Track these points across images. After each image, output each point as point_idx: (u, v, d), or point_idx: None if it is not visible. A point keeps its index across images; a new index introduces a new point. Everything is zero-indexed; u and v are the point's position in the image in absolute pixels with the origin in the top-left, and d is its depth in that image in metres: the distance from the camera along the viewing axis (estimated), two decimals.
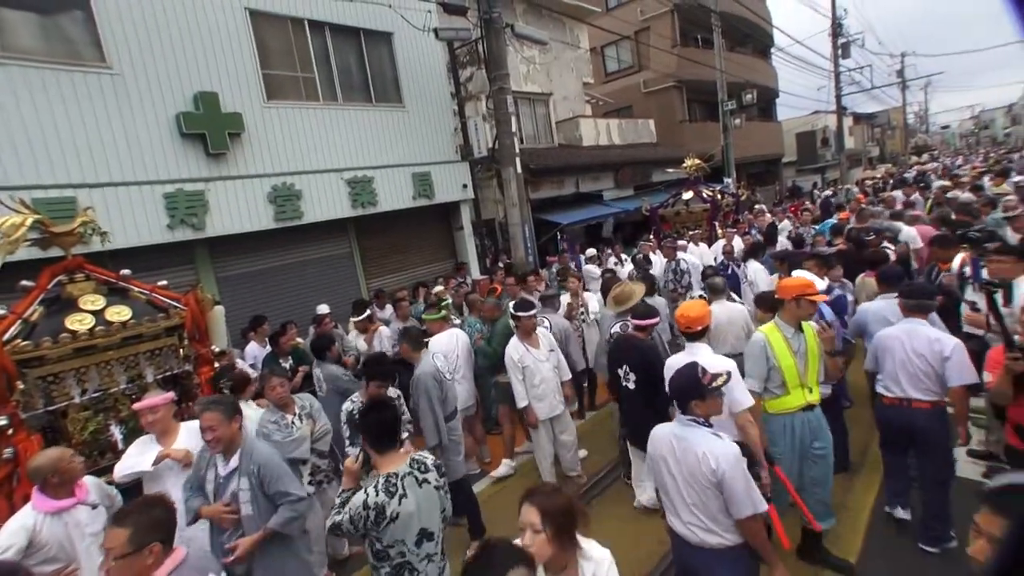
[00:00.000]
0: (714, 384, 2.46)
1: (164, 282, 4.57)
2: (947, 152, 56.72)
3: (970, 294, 4.46)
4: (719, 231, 10.21)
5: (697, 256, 8.44)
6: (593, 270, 8.78)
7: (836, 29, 25.27)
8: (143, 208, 6.63)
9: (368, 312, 6.62)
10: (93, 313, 3.75)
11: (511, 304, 6.34)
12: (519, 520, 1.82)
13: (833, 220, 9.35)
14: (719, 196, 11.40)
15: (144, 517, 1.98)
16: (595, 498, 4.76)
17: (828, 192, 19.84)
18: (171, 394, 3.39)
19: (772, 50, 26.97)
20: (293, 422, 3.62)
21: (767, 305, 4.05)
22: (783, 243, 8.86)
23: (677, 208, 11.32)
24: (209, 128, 7.17)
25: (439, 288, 8.24)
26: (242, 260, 7.99)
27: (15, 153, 5.75)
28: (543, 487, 1.90)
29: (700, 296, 6.77)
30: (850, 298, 5.31)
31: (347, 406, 3.68)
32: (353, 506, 2.26)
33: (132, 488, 3.29)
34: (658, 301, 5.79)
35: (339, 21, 8.82)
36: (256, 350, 6.30)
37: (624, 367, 4.02)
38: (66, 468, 2.73)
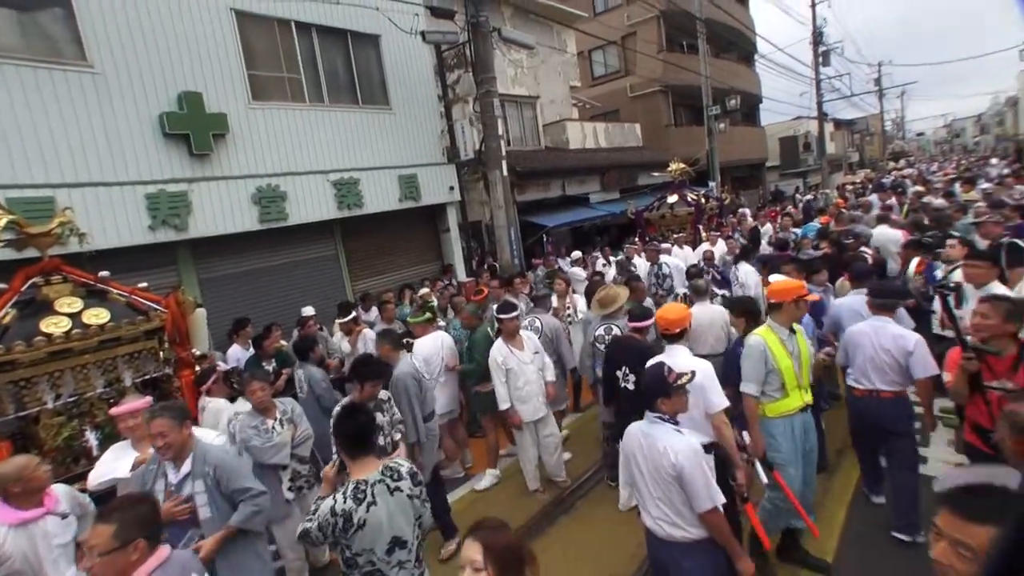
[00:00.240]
0: (679, 382, 2.54)
1: (144, 284, 4.51)
2: (923, 158, 58.22)
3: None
4: (703, 234, 10.33)
5: (682, 259, 8.53)
6: (578, 272, 8.82)
7: (817, 38, 25.73)
8: (124, 209, 6.54)
9: (354, 314, 6.58)
10: (70, 316, 3.69)
11: (494, 307, 6.37)
12: (460, 556, 1.67)
13: (816, 224, 9.52)
14: (703, 200, 11.52)
15: (130, 513, 1.98)
16: (579, 500, 4.78)
17: (809, 196, 20.15)
18: (149, 399, 3.34)
19: (755, 57, 27.41)
20: (274, 427, 3.59)
21: (741, 310, 4.05)
22: (764, 248, 9.00)
23: (662, 211, 11.42)
24: (193, 128, 7.10)
25: (424, 290, 8.23)
26: (226, 262, 7.91)
27: None
28: (489, 521, 1.75)
29: (684, 295, 6.86)
30: (834, 300, 5.40)
31: (338, 410, 3.62)
32: (321, 513, 2.25)
33: (106, 496, 3.22)
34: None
35: (326, 23, 8.79)
36: (239, 353, 6.23)
37: (624, 368, 4.04)
38: (31, 477, 2.64)
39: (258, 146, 7.91)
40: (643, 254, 8.55)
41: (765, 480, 3.23)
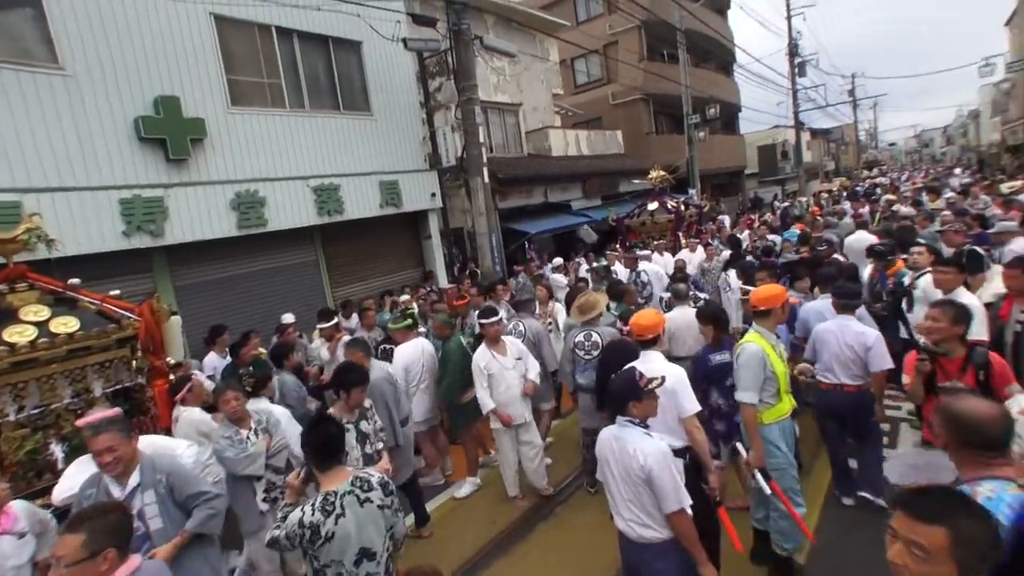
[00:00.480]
0: (649, 387, 2.59)
1: (117, 291, 4.43)
2: (895, 167, 60.06)
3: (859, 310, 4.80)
4: (683, 241, 10.47)
5: (662, 266, 8.62)
6: (559, 279, 8.87)
7: (792, 49, 26.35)
8: (96, 214, 6.41)
9: (336, 320, 6.53)
10: (36, 324, 3.59)
11: (475, 312, 6.38)
12: None
13: (796, 230, 9.72)
14: (683, 207, 11.68)
15: (99, 522, 1.94)
16: (559, 506, 4.78)
17: (787, 204, 20.56)
18: (117, 409, 3.25)
19: (734, 67, 27.91)
20: (248, 437, 3.52)
21: (708, 318, 4.09)
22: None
23: (643, 218, 11.55)
24: (169, 133, 7.00)
25: (405, 297, 8.20)
26: (203, 268, 7.80)
27: None
28: (422, 568, 1.82)
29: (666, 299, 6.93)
30: (804, 304, 5.53)
31: None
32: (289, 524, 2.24)
33: (70, 511, 3.14)
34: (623, 307, 5.89)
35: (308, 29, 8.75)
36: (215, 361, 6.13)
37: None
38: None
39: (237, 151, 7.82)
40: (622, 261, 8.63)
41: (768, 491, 3.23)
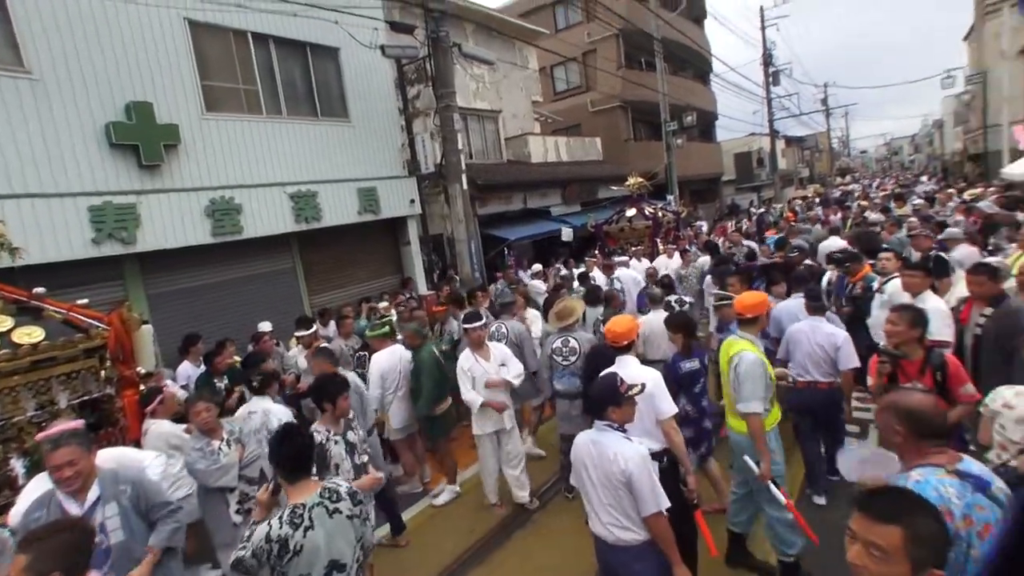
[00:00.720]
0: (630, 393, 2.63)
1: (85, 300, 4.34)
2: (866, 174, 61.79)
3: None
4: (660, 247, 10.60)
5: (639, 272, 8.71)
6: (538, 285, 8.91)
7: (767, 59, 26.95)
8: (64, 221, 6.27)
9: (314, 328, 6.46)
10: None
11: (454, 320, 6.37)
12: None
13: (778, 235, 9.94)
14: (660, 213, 11.83)
15: (48, 543, 1.86)
16: (537, 512, 4.79)
17: (762, 210, 20.97)
18: (79, 422, 3.12)
19: (711, 76, 28.46)
20: (220, 448, 3.47)
21: (677, 325, 4.15)
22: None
23: (621, 225, 11.66)
24: (142, 139, 6.89)
25: (384, 304, 8.15)
26: (177, 276, 7.67)
27: None
28: None
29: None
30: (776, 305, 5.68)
31: (315, 438, 3.29)
32: (256, 539, 2.18)
33: None
34: (600, 311, 5.95)
35: (284, 35, 8.70)
36: (189, 370, 6.02)
37: None
38: None
39: (212, 158, 7.72)
40: (599, 267, 8.71)
41: (784, 500, 3.21)
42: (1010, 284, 4.29)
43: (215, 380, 5.58)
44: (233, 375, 5.72)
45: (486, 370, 4.65)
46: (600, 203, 16.94)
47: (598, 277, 8.38)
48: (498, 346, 4.93)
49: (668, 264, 9.04)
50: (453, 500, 5.14)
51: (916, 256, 6.42)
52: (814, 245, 8.87)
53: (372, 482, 3.38)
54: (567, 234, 13.47)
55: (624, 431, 2.63)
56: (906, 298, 4.33)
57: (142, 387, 4.24)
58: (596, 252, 11.09)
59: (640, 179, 11.90)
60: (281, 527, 2.18)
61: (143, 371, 4.45)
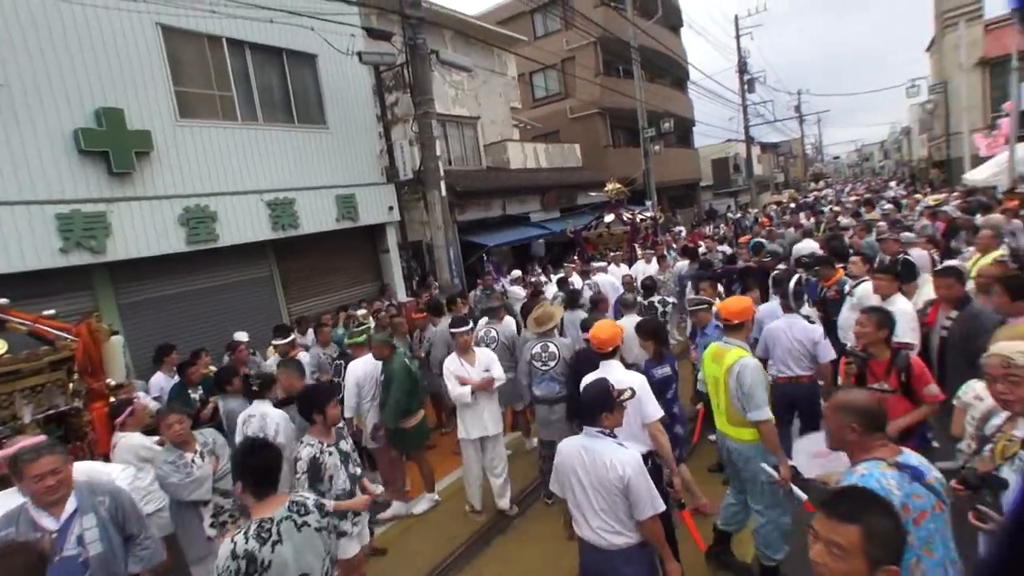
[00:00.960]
0: (621, 398, 2.66)
1: (52, 311, 4.24)
2: (839, 179, 63.43)
3: (805, 309, 5.13)
4: (639, 252, 10.72)
5: (617, 276, 8.81)
6: (517, 292, 8.94)
7: (742, 67, 27.53)
8: (31, 230, 6.11)
9: (292, 336, 6.39)
10: None
11: (432, 327, 6.36)
12: None
13: (761, 240, 10.13)
14: (638, 219, 11.98)
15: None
16: (517, 518, 4.79)
17: (739, 215, 21.36)
18: (42, 438, 3.00)
19: (688, 83, 28.95)
20: (193, 460, 3.40)
21: (648, 332, 4.19)
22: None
23: (600, 230, 11.78)
24: (112, 146, 6.75)
25: (363, 311, 8.10)
26: (150, 285, 7.52)
27: None
28: None
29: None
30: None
31: (307, 451, 3.17)
32: (220, 559, 2.09)
33: None
34: (579, 315, 6.00)
35: (260, 41, 8.62)
36: (162, 381, 5.88)
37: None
38: None
39: (186, 165, 7.60)
40: (578, 273, 8.78)
41: (805, 497, 3.12)
42: (969, 286, 4.46)
43: (189, 391, 5.48)
44: (208, 385, 5.63)
45: (470, 374, 4.66)
46: (579, 209, 17.09)
47: (576, 283, 8.45)
48: (484, 351, 4.93)
49: (646, 269, 9.15)
50: (432, 508, 5.12)
51: (886, 259, 6.61)
52: (788, 249, 9.08)
53: (365, 503, 3.35)
54: (537, 247, 13.63)
55: (615, 436, 2.64)
56: (875, 300, 4.47)
57: (112, 399, 4.15)
58: (575, 258, 11.17)
59: (618, 185, 12.06)
60: (247, 542, 2.12)
61: (113, 383, 4.36)
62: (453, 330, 4.75)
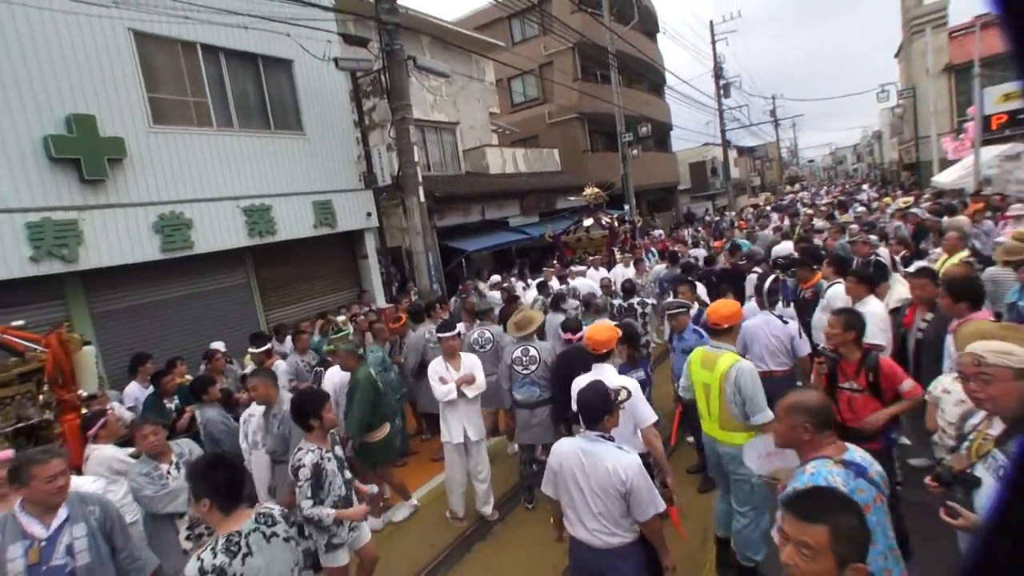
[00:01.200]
0: (618, 400, 2.73)
1: (21, 322, 4.16)
2: (814, 182, 64.86)
3: (781, 308, 5.26)
4: (617, 256, 10.84)
5: (596, 280, 8.90)
6: (496, 297, 8.97)
7: (718, 72, 28.03)
8: None
9: (269, 345, 6.33)
10: None
11: (412, 333, 6.36)
12: None
13: (744, 243, 10.33)
14: (616, 223, 12.12)
15: None
16: (497, 524, 4.80)
17: (717, 218, 21.72)
18: (9, 452, 2.96)
19: (665, 88, 29.36)
20: (168, 472, 3.35)
21: (622, 337, 4.13)
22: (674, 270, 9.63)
23: (579, 234, 11.89)
24: (84, 153, 6.63)
25: (342, 318, 8.06)
26: (124, 294, 7.40)
27: None
28: None
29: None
30: None
31: (310, 458, 3.09)
32: (187, 574, 2.06)
33: None
34: (560, 318, 6.05)
35: (235, 46, 8.54)
36: (137, 391, 5.80)
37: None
38: None
39: (160, 172, 7.50)
40: (556, 277, 8.86)
41: None
42: None
43: (164, 401, 5.40)
44: (183, 394, 5.55)
45: (455, 379, 4.65)
46: (558, 213, 17.21)
47: (555, 287, 8.53)
48: (470, 356, 4.92)
49: (625, 273, 9.26)
50: (412, 515, 5.11)
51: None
52: (767, 251, 9.27)
53: (362, 513, 3.34)
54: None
55: (612, 439, 2.68)
56: (844, 302, 4.60)
57: (84, 411, 4.08)
58: (555, 262, 11.25)
59: (597, 189, 12.17)
60: (215, 556, 2.08)
61: (85, 394, 4.29)
62: (440, 335, 4.74)
